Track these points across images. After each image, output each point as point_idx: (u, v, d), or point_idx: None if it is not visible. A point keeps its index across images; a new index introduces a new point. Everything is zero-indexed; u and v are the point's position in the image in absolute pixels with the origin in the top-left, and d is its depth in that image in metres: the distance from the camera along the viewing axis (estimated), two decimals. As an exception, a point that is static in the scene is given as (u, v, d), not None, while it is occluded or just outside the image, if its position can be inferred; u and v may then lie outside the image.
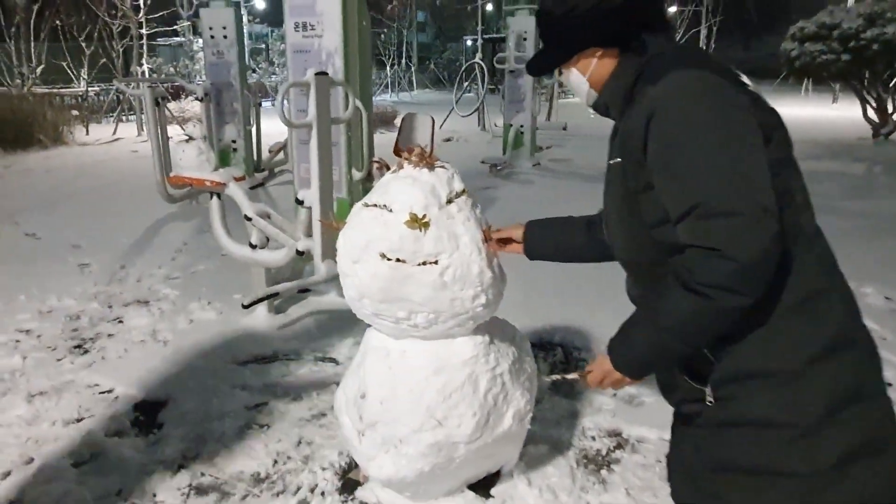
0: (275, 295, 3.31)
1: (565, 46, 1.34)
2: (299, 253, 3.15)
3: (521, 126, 8.68)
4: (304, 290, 3.54)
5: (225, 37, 6.82)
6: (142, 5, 12.51)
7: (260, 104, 7.70)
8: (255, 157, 7.46)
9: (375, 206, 1.74)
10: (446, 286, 1.70)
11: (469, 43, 26.98)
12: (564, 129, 10.28)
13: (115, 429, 2.48)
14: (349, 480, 2.18)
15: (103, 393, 2.74)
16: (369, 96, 3.62)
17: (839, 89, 19.32)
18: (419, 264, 1.69)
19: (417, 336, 1.84)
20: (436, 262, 1.69)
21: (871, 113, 10.60)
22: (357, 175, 3.67)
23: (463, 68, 13.17)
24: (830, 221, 5.41)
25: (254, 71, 18.06)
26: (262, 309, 3.39)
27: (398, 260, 1.70)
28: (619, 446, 2.39)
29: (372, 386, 1.86)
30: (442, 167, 1.78)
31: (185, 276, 4.22)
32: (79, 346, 3.20)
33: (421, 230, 1.67)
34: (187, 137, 3.32)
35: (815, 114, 16.41)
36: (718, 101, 1.13)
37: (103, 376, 2.87)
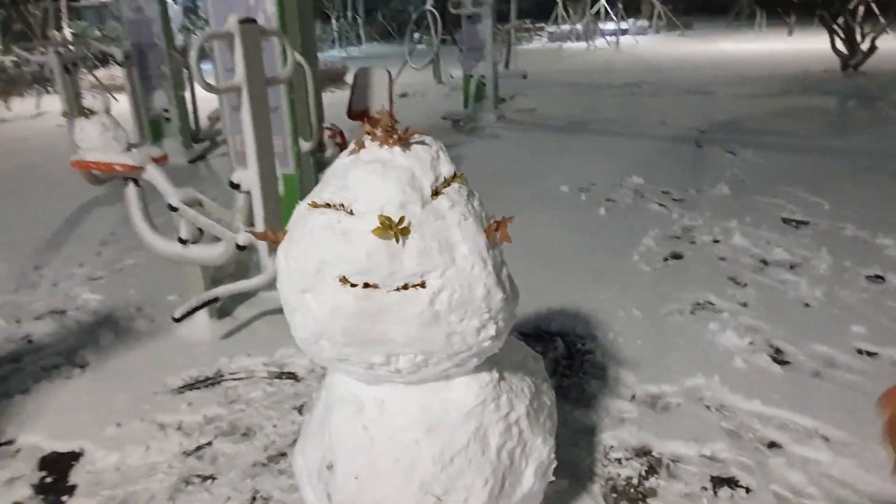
0: (214, 301, 2.73)
1: None
2: (240, 248, 2.57)
3: (483, 76, 8.04)
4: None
5: (143, -11, 5.98)
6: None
7: (192, 66, 6.87)
8: (192, 126, 6.73)
9: (328, 206, 1.19)
10: (439, 318, 1.18)
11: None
12: (525, 77, 9.70)
13: (12, 500, 1.92)
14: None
15: (2, 446, 2.17)
16: (314, 50, 3.00)
17: (794, 22, 19.03)
18: (398, 289, 1.16)
19: (400, 381, 1.32)
20: (422, 286, 1.16)
21: (840, 44, 10.25)
22: (305, 146, 3.07)
23: (413, 17, 12.29)
24: (823, 161, 4.89)
25: (189, 30, 16.78)
26: (202, 314, 2.81)
27: (367, 285, 1.16)
28: (652, 470, 1.94)
29: (342, 455, 1.34)
30: (422, 142, 1.24)
31: (111, 275, 3.59)
32: (-25, 380, 2.59)
33: (398, 240, 1.13)
34: (87, 111, 2.66)
35: (773, 48, 16.07)
36: None
37: (3, 422, 2.29)
